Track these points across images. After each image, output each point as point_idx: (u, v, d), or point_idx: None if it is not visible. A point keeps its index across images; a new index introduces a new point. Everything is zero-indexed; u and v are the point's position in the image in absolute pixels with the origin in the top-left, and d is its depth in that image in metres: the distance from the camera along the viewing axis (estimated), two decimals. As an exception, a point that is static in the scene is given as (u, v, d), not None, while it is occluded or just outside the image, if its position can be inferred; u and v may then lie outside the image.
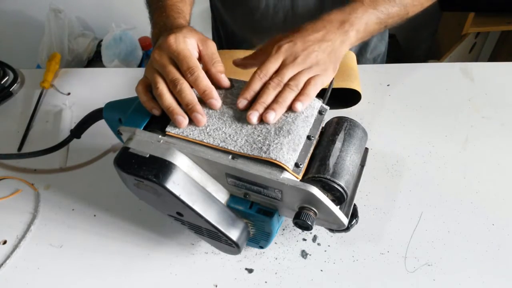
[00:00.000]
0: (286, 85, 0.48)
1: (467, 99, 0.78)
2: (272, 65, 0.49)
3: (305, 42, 0.50)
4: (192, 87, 0.48)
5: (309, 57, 0.50)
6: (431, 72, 0.84)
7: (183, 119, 0.46)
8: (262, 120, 0.46)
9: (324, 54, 0.51)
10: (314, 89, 0.49)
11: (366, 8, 0.56)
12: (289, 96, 0.47)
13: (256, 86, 0.48)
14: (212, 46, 0.51)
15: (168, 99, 0.47)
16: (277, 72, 0.49)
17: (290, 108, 0.47)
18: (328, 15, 0.54)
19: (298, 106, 0.47)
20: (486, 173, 0.66)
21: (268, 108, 0.47)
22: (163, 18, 0.56)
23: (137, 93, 0.50)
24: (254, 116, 0.46)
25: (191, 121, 0.46)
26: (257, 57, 0.58)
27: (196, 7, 0.66)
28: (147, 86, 0.50)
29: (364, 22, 0.55)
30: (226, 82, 0.50)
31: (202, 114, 0.46)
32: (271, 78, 0.49)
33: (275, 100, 0.47)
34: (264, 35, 0.82)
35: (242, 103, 0.47)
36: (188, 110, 0.46)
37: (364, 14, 0.55)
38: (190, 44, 0.49)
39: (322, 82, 0.50)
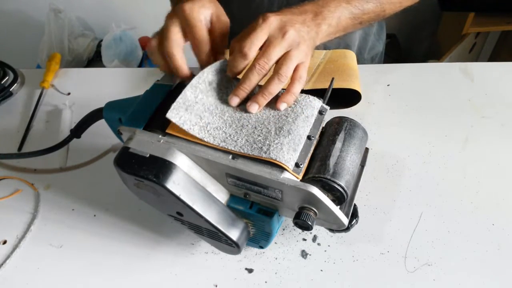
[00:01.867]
0: (276, 73, 0.46)
1: (467, 99, 0.78)
2: (259, 39, 0.47)
3: (291, 19, 0.48)
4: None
5: (298, 35, 0.47)
6: (431, 72, 0.84)
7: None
8: (246, 110, 0.47)
9: (307, 37, 0.49)
10: (299, 84, 0.48)
11: (339, 2, 0.54)
12: (276, 89, 0.47)
13: (238, 64, 0.47)
14: (225, 24, 0.51)
15: (157, 60, 0.51)
16: (263, 48, 0.47)
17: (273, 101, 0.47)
18: (302, 5, 0.53)
19: (282, 106, 0.47)
20: (486, 173, 0.66)
21: (253, 99, 0.46)
22: None
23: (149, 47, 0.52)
24: (234, 101, 0.47)
25: (191, 114, 0.46)
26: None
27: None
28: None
29: (337, 17, 0.54)
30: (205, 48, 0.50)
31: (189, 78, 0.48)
32: (256, 58, 0.46)
33: (262, 91, 0.46)
34: None
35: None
36: (178, 73, 0.49)
37: (337, 8, 0.54)
38: (204, 14, 0.49)
39: (305, 72, 0.49)
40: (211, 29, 0.50)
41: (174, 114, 0.45)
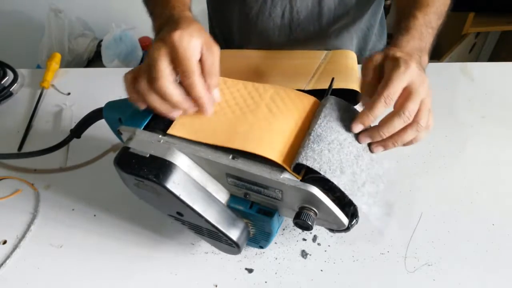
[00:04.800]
0: (415, 122, 0.46)
1: (467, 99, 0.78)
2: (401, 85, 0.45)
3: (419, 68, 0.46)
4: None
5: (425, 87, 0.46)
6: (431, 72, 0.84)
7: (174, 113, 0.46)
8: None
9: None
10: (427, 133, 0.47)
11: (426, 29, 0.55)
12: (410, 137, 0.46)
13: (380, 112, 0.45)
14: (216, 53, 0.48)
15: (136, 98, 0.47)
16: (403, 102, 0.45)
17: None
18: (406, 42, 0.51)
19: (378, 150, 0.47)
20: (486, 173, 0.66)
21: (381, 143, 0.46)
22: (169, 9, 0.53)
23: (124, 81, 0.48)
24: (378, 150, 0.47)
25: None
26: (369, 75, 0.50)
27: (194, 9, 0.66)
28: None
29: (429, 45, 0.54)
30: (217, 97, 0.48)
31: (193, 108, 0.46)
32: (403, 110, 0.45)
33: (394, 138, 0.46)
34: (261, 31, 0.82)
35: (358, 128, 0.46)
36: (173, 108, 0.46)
37: (427, 37, 0.54)
38: (195, 45, 0.46)
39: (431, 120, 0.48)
40: (202, 59, 0.47)
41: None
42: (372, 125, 0.47)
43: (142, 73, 0.46)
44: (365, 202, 0.43)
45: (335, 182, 0.42)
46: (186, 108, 0.46)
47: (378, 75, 0.48)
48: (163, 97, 0.45)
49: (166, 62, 0.45)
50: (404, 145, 0.47)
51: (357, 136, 0.47)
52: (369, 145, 0.47)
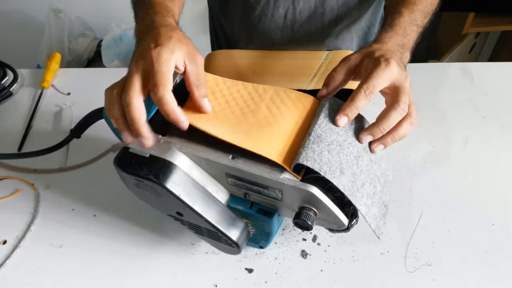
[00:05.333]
0: (408, 115, 0.47)
1: (467, 99, 0.78)
2: (382, 81, 0.46)
3: (399, 65, 0.47)
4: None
5: (408, 82, 0.47)
6: (431, 72, 0.84)
7: (127, 137, 0.45)
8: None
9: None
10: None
11: (411, 26, 0.55)
12: (406, 131, 0.47)
13: (362, 104, 0.46)
14: (200, 63, 0.47)
15: (116, 109, 0.45)
16: (394, 97, 0.46)
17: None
18: (389, 38, 0.52)
19: (378, 148, 0.48)
20: (486, 173, 0.66)
21: (380, 140, 0.47)
22: (150, 15, 0.52)
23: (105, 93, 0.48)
24: (379, 149, 0.47)
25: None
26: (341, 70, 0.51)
27: (195, 8, 0.66)
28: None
29: (413, 42, 0.55)
30: (207, 108, 0.47)
31: (146, 138, 0.44)
32: (398, 103, 0.46)
33: (393, 133, 0.46)
34: (263, 32, 0.82)
35: (342, 120, 0.46)
36: (132, 130, 0.44)
37: (411, 34, 0.55)
38: (175, 59, 0.44)
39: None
40: (186, 71, 0.46)
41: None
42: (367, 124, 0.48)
43: (116, 86, 0.47)
44: (364, 203, 0.44)
45: (335, 183, 0.42)
46: (138, 129, 0.43)
47: (352, 75, 0.50)
48: (125, 108, 0.44)
49: (139, 77, 0.44)
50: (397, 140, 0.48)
51: (357, 136, 0.47)
52: (370, 145, 0.47)
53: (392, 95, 0.47)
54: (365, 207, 0.43)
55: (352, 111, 0.46)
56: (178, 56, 0.45)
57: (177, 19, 0.55)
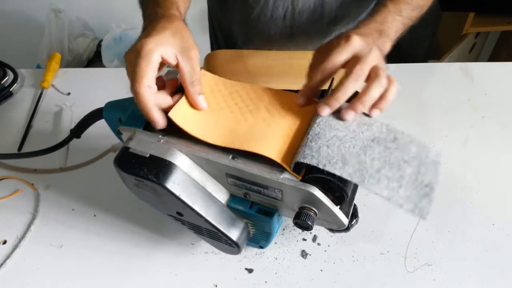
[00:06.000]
0: (376, 78, 0.46)
1: (467, 99, 0.78)
2: (339, 56, 0.46)
3: (364, 40, 0.47)
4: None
5: (375, 55, 0.47)
6: (431, 72, 0.84)
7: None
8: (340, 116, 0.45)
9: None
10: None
11: (393, 16, 0.55)
12: (376, 93, 0.46)
13: (316, 82, 0.46)
14: (195, 58, 0.46)
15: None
16: (351, 66, 0.46)
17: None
18: (364, 24, 0.52)
19: (375, 113, 0.47)
20: (486, 173, 0.66)
21: (351, 105, 0.46)
22: (155, 8, 0.52)
23: None
24: (350, 116, 0.45)
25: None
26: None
27: (195, 8, 0.65)
28: None
29: (394, 31, 0.55)
30: (202, 105, 0.47)
31: (156, 122, 0.44)
32: (352, 72, 0.45)
33: (360, 97, 0.45)
34: (262, 32, 0.82)
35: (301, 100, 0.47)
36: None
37: (393, 23, 0.55)
38: (160, 52, 0.44)
39: None
40: (178, 66, 0.46)
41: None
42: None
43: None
44: (385, 186, 0.43)
45: (338, 173, 0.41)
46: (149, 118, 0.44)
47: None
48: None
49: (130, 69, 0.44)
50: (377, 106, 0.47)
51: (353, 129, 0.46)
52: (341, 115, 0.46)
53: (349, 65, 0.46)
54: (388, 190, 0.43)
55: (305, 90, 0.47)
56: (166, 49, 0.44)
57: (183, 12, 0.54)
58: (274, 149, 0.44)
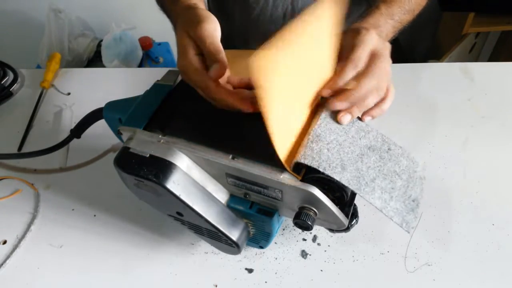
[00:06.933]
0: (380, 89, 0.47)
1: (467, 99, 0.78)
2: (365, 51, 0.46)
3: (379, 35, 0.48)
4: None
5: (388, 53, 0.47)
6: (431, 72, 0.84)
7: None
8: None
9: None
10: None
11: (385, 19, 0.56)
12: (372, 103, 0.47)
13: (349, 76, 0.45)
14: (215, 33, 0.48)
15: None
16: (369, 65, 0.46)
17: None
18: (358, 25, 0.52)
19: (367, 119, 0.47)
20: (486, 173, 0.66)
21: (349, 109, 0.46)
22: (179, 5, 0.54)
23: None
24: (347, 118, 0.46)
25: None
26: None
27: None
28: None
29: (385, 34, 0.55)
30: (216, 73, 0.46)
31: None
32: (369, 71, 0.45)
33: (360, 103, 0.46)
34: (261, 32, 0.82)
35: (326, 92, 0.45)
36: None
37: (385, 26, 0.55)
38: (216, 30, 0.47)
39: None
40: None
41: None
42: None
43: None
44: (378, 196, 0.43)
45: (337, 178, 0.41)
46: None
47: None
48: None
49: (190, 40, 0.47)
50: (370, 113, 0.48)
51: (352, 135, 0.46)
52: (336, 115, 0.46)
53: (369, 61, 0.46)
54: (381, 201, 0.43)
55: (336, 83, 0.45)
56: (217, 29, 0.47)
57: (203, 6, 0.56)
58: (286, 149, 0.43)
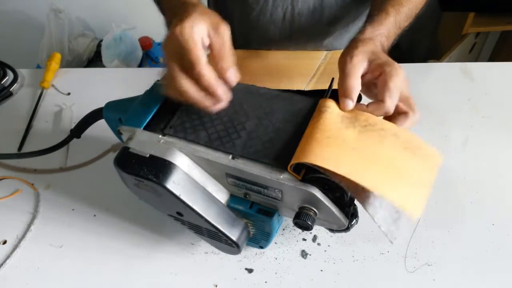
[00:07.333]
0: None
1: (467, 99, 0.78)
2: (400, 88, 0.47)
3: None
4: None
5: None
6: (431, 72, 0.84)
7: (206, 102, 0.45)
8: None
9: None
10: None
11: (394, 29, 0.56)
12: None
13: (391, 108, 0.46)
14: (224, 33, 0.46)
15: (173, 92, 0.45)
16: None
17: None
18: (375, 36, 0.52)
19: None
20: (486, 173, 0.66)
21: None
22: (173, 2, 0.53)
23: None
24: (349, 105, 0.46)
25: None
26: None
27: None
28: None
29: (391, 44, 0.56)
30: (232, 78, 0.45)
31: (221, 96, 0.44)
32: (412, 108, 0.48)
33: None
34: (261, 32, 0.82)
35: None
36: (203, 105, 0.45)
37: (393, 37, 0.56)
38: (198, 32, 0.44)
39: None
40: (210, 43, 0.46)
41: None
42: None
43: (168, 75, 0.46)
44: (371, 203, 0.43)
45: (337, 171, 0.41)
46: (199, 100, 0.45)
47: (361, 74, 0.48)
48: (183, 95, 0.45)
49: (174, 60, 0.44)
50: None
51: None
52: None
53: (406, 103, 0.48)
54: (372, 208, 0.43)
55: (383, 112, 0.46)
56: (201, 29, 0.44)
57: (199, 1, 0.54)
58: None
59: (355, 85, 0.46)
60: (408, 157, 0.45)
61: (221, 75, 0.45)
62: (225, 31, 0.46)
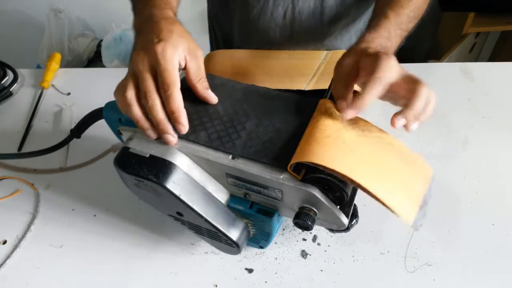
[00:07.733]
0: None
1: (467, 99, 0.78)
2: (390, 74, 0.48)
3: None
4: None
5: None
6: (431, 72, 0.84)
7: (153, 134, 0.45)
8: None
9: None
10: None
11: (395, 30, 0.55)
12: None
13: (373, 97, 0.46)
14: (200, 58, 0.48)
15: (136, 111, 0.45)
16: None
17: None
18: (372, 38, 0.52)
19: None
20: (486, 173, 0.66)
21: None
22: (149, 7, 0.52)
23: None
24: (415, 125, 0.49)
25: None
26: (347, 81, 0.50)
27: (195, 8, 0.65)
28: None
29: (395, 45, 0.55)
30: (213, 99, 0.48)
31: (173, 135, 0.45)
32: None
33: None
34: (261, 30, 0.82)
35: (350, 114, 0.45)
36: (158, 130, 0.45)
37: (396, 37, 0.55)
38: (178, 55, 0.45)
39: None
40: (186, 66, 0.47)
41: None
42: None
43: (126, 87, 0.46)
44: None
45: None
46: (164, 128, 0.45)
47: (351, 75, 0.49)
48: (149, 110, 0.44)
49: (151, 75, 0.45)
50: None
51: None
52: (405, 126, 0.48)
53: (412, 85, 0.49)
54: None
55: (363, 106, 0.45)
56: (180, 52, 0.46)
57: (176, 12, 0.55)
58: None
59: (340, 87, 0.48)
60: (403, 167, 0.45)
61: (201, 97, 0.48)
62: (201, 55, 0.48)
